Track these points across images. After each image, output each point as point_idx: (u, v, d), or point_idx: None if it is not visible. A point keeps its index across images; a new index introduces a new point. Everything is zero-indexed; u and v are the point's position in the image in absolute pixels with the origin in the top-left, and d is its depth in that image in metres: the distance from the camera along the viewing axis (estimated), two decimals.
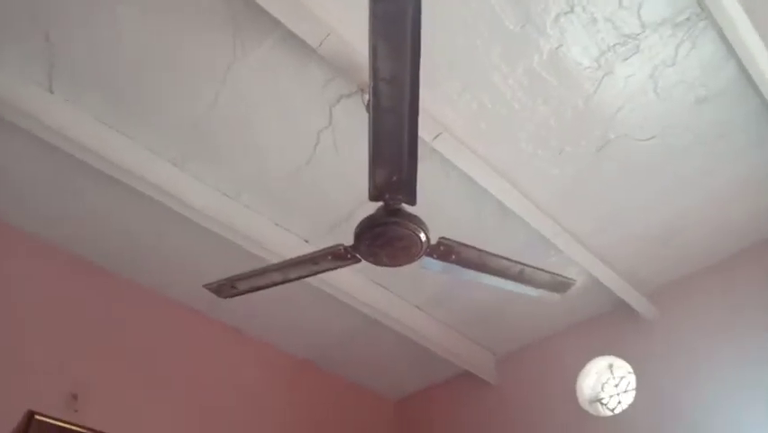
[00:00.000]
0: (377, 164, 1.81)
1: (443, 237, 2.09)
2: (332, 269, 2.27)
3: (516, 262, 2.27)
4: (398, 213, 1.99)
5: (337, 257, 2.19)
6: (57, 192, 3.11)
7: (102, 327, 3.45)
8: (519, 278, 2.32)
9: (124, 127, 2.76)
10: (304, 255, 2.27)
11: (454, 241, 2.11)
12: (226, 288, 2.46)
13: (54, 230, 3.35)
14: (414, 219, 2.03)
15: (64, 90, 2.61)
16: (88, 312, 3.42)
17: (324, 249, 2.21)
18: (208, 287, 2.49)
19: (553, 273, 2.38)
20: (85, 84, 2.60)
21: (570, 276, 3.54)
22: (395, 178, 1.84)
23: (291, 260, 2.31)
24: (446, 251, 2.12)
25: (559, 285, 2.43)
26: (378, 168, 1.82)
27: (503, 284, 2.34)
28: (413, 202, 1.93)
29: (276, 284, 2.40)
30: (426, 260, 2.14)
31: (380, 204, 1.99)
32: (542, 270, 2.33)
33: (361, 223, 2.04)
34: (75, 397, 3.11)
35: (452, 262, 2.15)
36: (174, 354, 3.73)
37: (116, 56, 2.50)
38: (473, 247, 2.16)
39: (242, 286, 2.43)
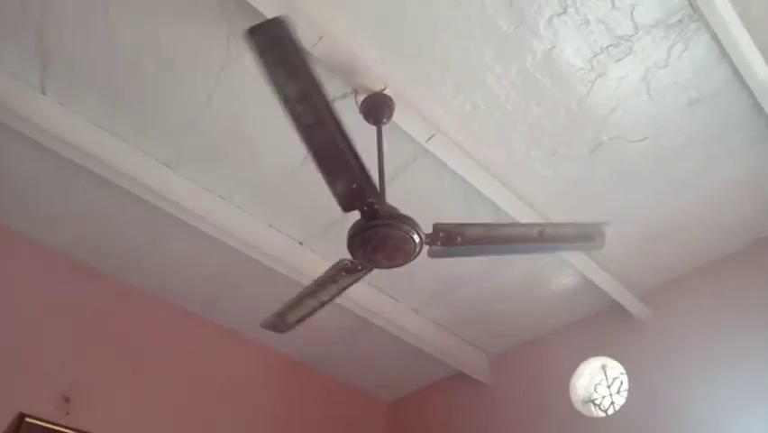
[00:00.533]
0: (331, 180, 1.86)
1: (436, 223, 2.08)
2: (351, 283, 2.32)
3: (532, 224, 2.22)
4: (378, 215, 2.00)
5: (350, 271, 2.24)
6: (51, 194, 3.10)
7: (95, 328, 3.43)
8: (542, 239, 2.21)
9: (118, 129, 2.75)
10: (322, 277, 2.33)
11: (450, 224, 2.09)
12: (279, 323, 2.63)
13: (48, 232, 3.33)
14: (397, 216, 2.03)
15: (57, 92, 2.60)
16: (82, 314, 3.40)
17: (333, 267, 2.26)
18: (265, 325, 2.65)
19: (579, 224, 2.29)
20: (78, 86, 2.58)
21: (567, 275, 3.64)
22: (354, 185, 1.87)
23: (316, 283, 2.37)
24: (447, 236, 2.10)
25: (590, 235, 2.28)
26: (334, 183, 1.87)
27: (527, 251, 2.29)
28: (383, 200, 1.94)
29: (316, 310, 2.53)
30: (431, 250, 2.13)
31: (358, 213, 2.01)
32: (564, 224, 2.26)
33: (348, 235, 2.05)
34: (67, 399, 3.09)
35: (458, 245, 2.12)
36: (168, 356, 3.71)
37: (110, 57, 2.49)
38: (476, 223, 2.14)
39: (291, 319, 2.61)
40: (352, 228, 2.05)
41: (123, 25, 2.38)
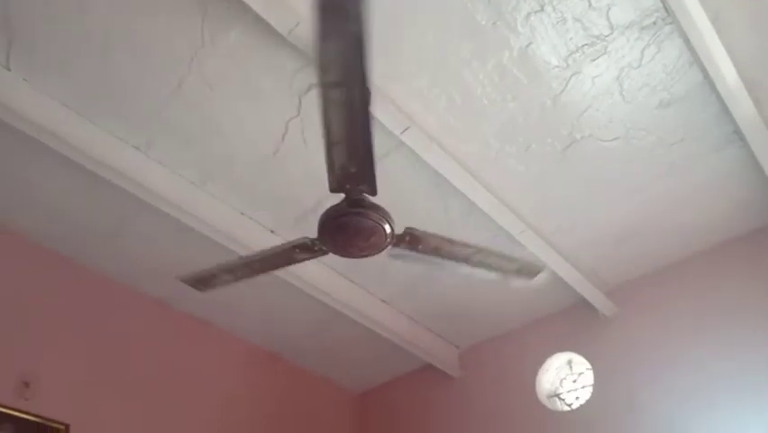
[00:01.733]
0: (334, 156, 1.80)
1: (408, 227, 2.09)
2: (300, 261, 2.26)
3: (481, 248, 2.26)
4: (361, 203, 1.98)
5: (305, 250, 2.18)
6: (12, 176, 3.00)
7: (60, 315, 3.36)
8: (485, 265, 2.32)
9: (86, 109, 2.68)
10: (271, 248, 2.26)
11: (420, 230, 2.11)
12: (200, 282, 2.49)
13: (9, 214, 3.23)
14: (377, 209, 2.02)
15: (22, 69, 2.52)
16: (46, 299, 3.32)
17: (290, 242, 2.19)
18: (184, 280, 2.49)
19: (520, 260, 2.38)
20: (45, 64, 2.51)
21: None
22: (354, 169, 1.84)
23: (260, 253, 2.29)
24: (413, 240, 2.12)
25: (527, 271, 2.42)
26: (335, 159, 1.81)
27: (472, 271, 2.35)
28: (374, 192, 1.92)
29: (245, 278, 2.40)
30: (394, 250, 2.14)
31: (342, 195, 1.98)
32: (508, 257, 2.33)
33: (323, 214, 2.03)
34: (27, 385, 3.03)
35: (419, 251, 2.16)
36: (135, 344, 3.65)
37: (80, 38, 2.42)
38: (439, 236, 2.16)
39: (213, 282, 2.46)
40: (332, 208, 2.01)
41: (94, 6, 2.32)
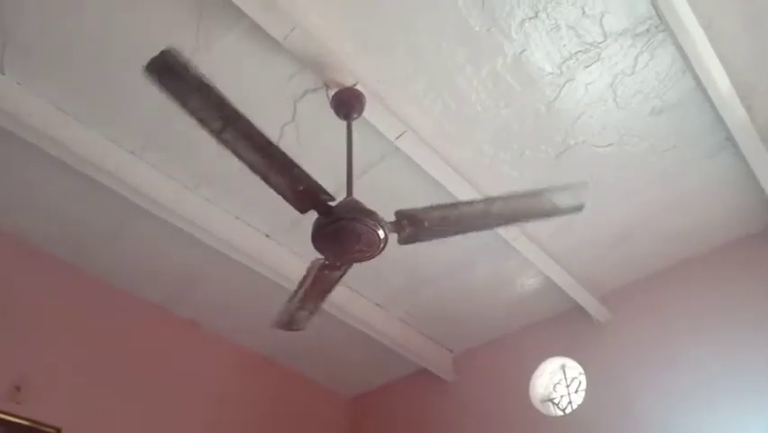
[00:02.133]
0: (278, 189, 1.92)
1: (398, 210, 2.07)
2: (337, 281, 2.34)
3: (495, 198, 2.14)
4: (332, 211, 2.01)
5: (328, 269, 2.24)
6: (9, 179, 2.99)
7: (53, 318, 3.34)
8: (509, 215, 2.21)
9: (80, 113, 2.68)
10: (304, 283, 2.34)
11: (414, 209, 2.07)
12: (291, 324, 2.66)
13: (6, 218, 3.23)
14: (351, 209, 2.04)
15: (17, 72, 2.52)
16: (38, 302, 3.31)
17: (310, 270, 2.26)
18: (276, 326, 2.69)
19: (550, 189, 2.12)
20: (40, 67, 2.51)
21: (530, 276, 3.70)
22: (301, 187, 1.91)
23: (303, 289, 2.39)
24: (412, 221, 2.07)
25: (565, 200, 2.14)
26: (282, 192, 1.93)
27: (491, 226, 2.33)
28: (332, 197, 1.96)
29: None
30: (401, 237, 2.11)
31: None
32: (532, 193, 2.12)
33: (311, 236, 2.05)
34: (18, 388, 3.01)
35: (426, 228, 2.10)
36: (130, 348, 3.64)
37: (75, 40, 2.42)
38: (437, 205, 2.11)
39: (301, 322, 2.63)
40: (313, 227, 2.05)
41: (89, 7, 2.32)
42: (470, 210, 2.18)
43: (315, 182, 1.91)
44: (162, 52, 1.56)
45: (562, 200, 2.13)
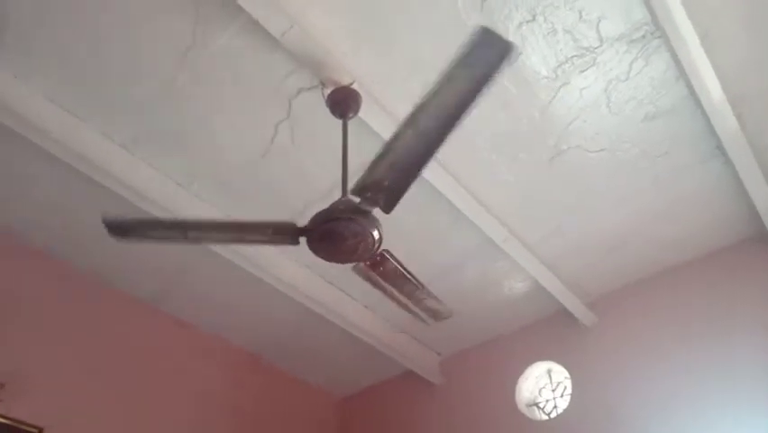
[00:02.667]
0: (380, 162, 1.83)
1: (385, 250, 2.16)
2: (264, 242, 2.23)
3: (419, 285, 2.45)
4: (367, 214, 2.00)
5: (279, 232, 2.14)
6: (2, 173, 2.94)
7: (38, 315, 3.29)
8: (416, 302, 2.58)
9: (73, 106, 2.63)
10: (243, 221, 2.26)
11: (394, 258, 2.24)
12: (121, 230, 2.26)
13: None
14: (377, 227, 2.04)
15: (11, 65, 2.47)
16: (23, 298, 3.25)
17: (272, 221, 2.15)
18: (106, 221, 2.23)
19: (435, 306, 2.62)
20: (34, 59, 2.47)
21: (519, 280, 3.72)
22: (386, 182, 1.86)
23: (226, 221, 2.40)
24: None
25: (434, 313, 2.68)
26: (379, 165, 1.83)
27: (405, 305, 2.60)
28: (388, 211, 1.94)
29: (180, 241, 2.34)
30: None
31: (355, 200, 1.98)
32: (430, 297, 2.55)
33: (322, 211, 2.03)
34: (2, 386, 2.95)
35: (377, 273, 2.29)
36: (117, 346, 3.59)
37: (70, 33, 2.38)
38: (402, 270, 2.31)
39: (143, 232, 2.27)
40: (335, 206, 2.05)
41: (85, 3, 2.28)
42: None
43: (400, 195, 1.92)
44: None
45: (437, 307, 2.70)
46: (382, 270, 2.26)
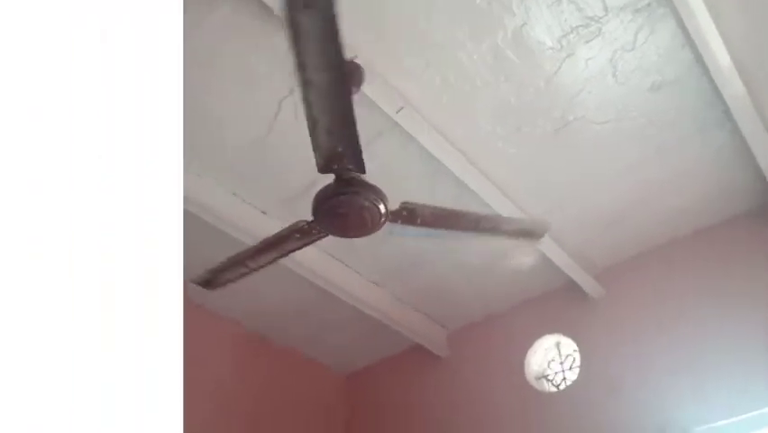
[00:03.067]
0: (319, 137, 1.77)
1: (404, 202, 2.07)
2: (300, 247, 2.24)
3: (482, 215, 2.28)
4: (352, 182, 1.96)
5: (304, 234, 2.16)
6: None
7: None
8: (488, 231, 2.35)
9: None
10: (271, 237, 2.23)
11: (417, 203, 2.09)
12: (212, 280, 2.53)
13: None
14: (369, 187, 2.00)
15: None
16: None
17: (288, 228, 2.16)
18: (195, 281, 2.49)
19: (527, 220, 2.45)
20: None
21: (525, 253, 3.71)
22: (340, 148, 1.82)
23: (262, 244, 2.27)
24: (409, 215, 2.09)
25: (532, 230, 2.48)
26: (320, 140, 1.78)
27: (475, 238, 2.42)
28: (362, 170, 1.90)
29: (253, 271, 2.43)
30: (391, 226, 2.11)
31: (332, 176, 1.95)
32: (511, 219, 2.40)
33: (316, 196, 2.01)
34: None
35: (418, 225, 2.13)
36: None
37: None
38: (437, 207, 2.14)
39: (223, 277, 2.50)
40: (323, 190, 2.00)
41: None
42: (461, 220, 2.23)
43: (359, 152, 1.83)
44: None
45: (529, 227, 2.52)
46: (419, 220, 2.11)
